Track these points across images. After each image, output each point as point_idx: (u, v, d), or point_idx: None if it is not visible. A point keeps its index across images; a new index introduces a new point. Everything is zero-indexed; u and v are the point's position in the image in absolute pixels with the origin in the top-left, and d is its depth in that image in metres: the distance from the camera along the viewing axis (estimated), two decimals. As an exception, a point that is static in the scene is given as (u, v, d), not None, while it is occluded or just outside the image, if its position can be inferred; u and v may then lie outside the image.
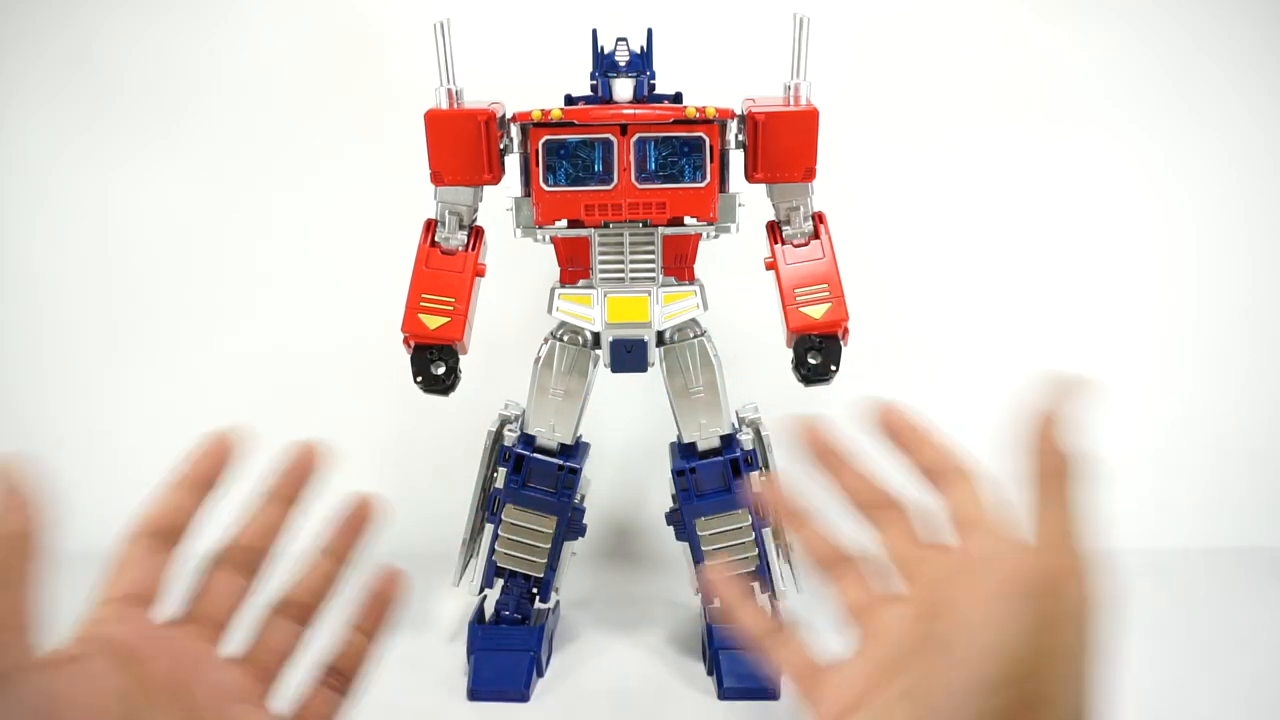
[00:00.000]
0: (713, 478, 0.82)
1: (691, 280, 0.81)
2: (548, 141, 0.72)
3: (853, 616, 0.46)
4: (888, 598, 0.45)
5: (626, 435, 1.10)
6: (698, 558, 0.84)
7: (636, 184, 0.73)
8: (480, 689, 0.82)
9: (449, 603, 0.98)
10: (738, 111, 0.75)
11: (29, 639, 0.34)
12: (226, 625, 0.44)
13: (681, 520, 0.84)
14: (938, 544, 0.45)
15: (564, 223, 0.76)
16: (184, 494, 0.47)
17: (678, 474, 0.83)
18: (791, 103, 0.75)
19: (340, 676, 0.46)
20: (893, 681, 0.40)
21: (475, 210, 0.79)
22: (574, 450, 0.84)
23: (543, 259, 0.82)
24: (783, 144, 0.75)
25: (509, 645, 0.84)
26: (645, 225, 0.76)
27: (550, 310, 0.79)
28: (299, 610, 0.47)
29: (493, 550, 0.84)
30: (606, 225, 0.75)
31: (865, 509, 0.48)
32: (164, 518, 0.46)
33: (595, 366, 0.81)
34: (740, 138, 0.76)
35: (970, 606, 0.38)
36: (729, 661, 0.83)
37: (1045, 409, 0.39)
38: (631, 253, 0.77)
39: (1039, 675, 0.35)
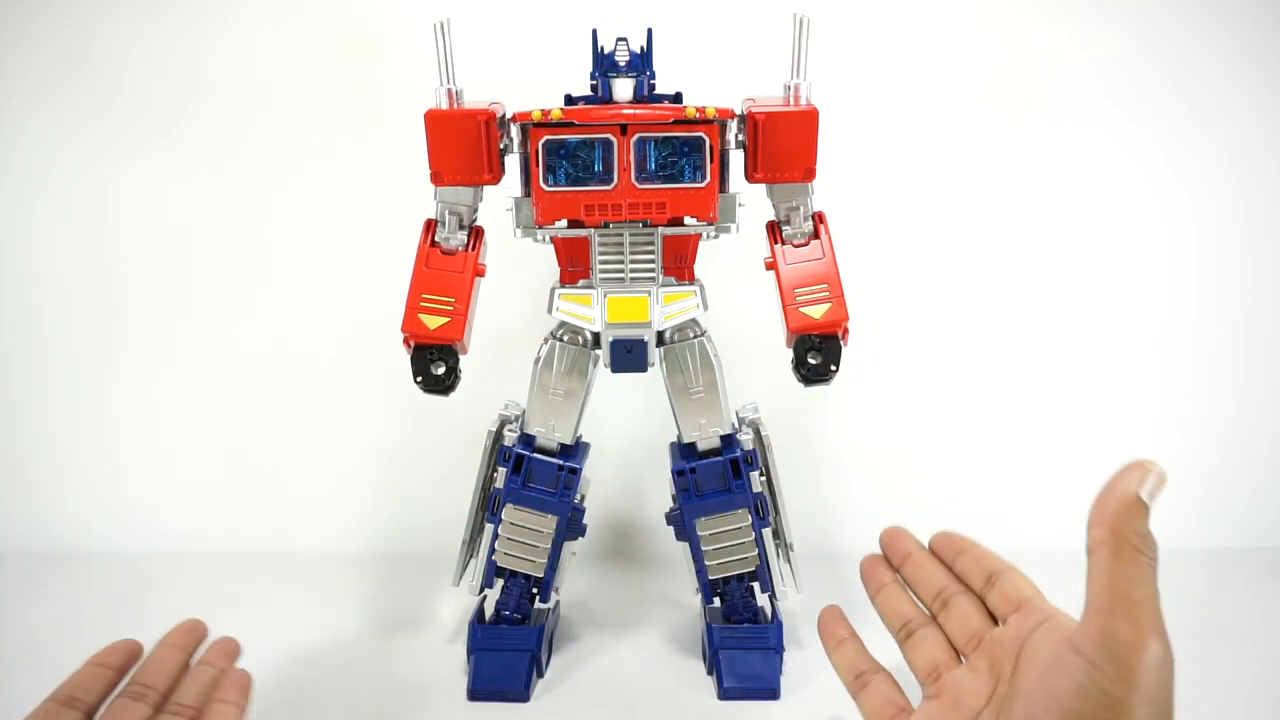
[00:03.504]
0: (713, 478, 0.82)
1: (691, 280, 0.81)
2: (548, 141, 0.72)
3: (923, 675, 0.54)
4: (955, 662, 0.52)
5: (626, 435, 1.10)
6: (698, 558, 0.84)
7: (636, 184, 0.73)
8: (480, 689, 0.82)
9: (449, 603, 0.98)
10: (738, 111, 0.75)
11: None
12: None
13: (681, 520, 0.84)
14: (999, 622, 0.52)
15: (564, 223, 0.76)
16: (105, 672, 0.55)
17: (678, 474, 0.83)
18: (791, 103, 0.75)
19: None
20: None
21: (475, 210, 0.79)
22: (574, 450, 0.84)
23: (543, 259, 0.82)
24: (783, 144, 0.75)
25: (509, 645, 0.84)
26: (645, 225, 0.76)
27: (550, 310, 0.79)
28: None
29: (493, 550, 0.84)
30: (606, 225, 0.75)
31: (931, 597, 0.57)
32: (75, 690, 0.53)
33: (595, 366, 0.81)
34: (740, 138, 0.76)
35: (1038, 663, 0.43)
36: (729, 661, 0.83)
37: (1132, 493, 0.41)
38: (631, 253, 0.77)
39: None
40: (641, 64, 0.75)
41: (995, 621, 0.52)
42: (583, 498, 0.87)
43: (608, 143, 0.72)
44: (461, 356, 0.79)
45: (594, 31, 0.75)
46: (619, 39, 0.74)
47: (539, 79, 0.80)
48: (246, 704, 0.57)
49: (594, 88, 0.76)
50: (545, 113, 0.71)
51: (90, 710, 0.53)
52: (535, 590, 0.86)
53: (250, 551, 1.09)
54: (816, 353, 0.78)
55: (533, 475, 0.83)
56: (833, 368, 0.78)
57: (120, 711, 0.53)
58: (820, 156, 0.76)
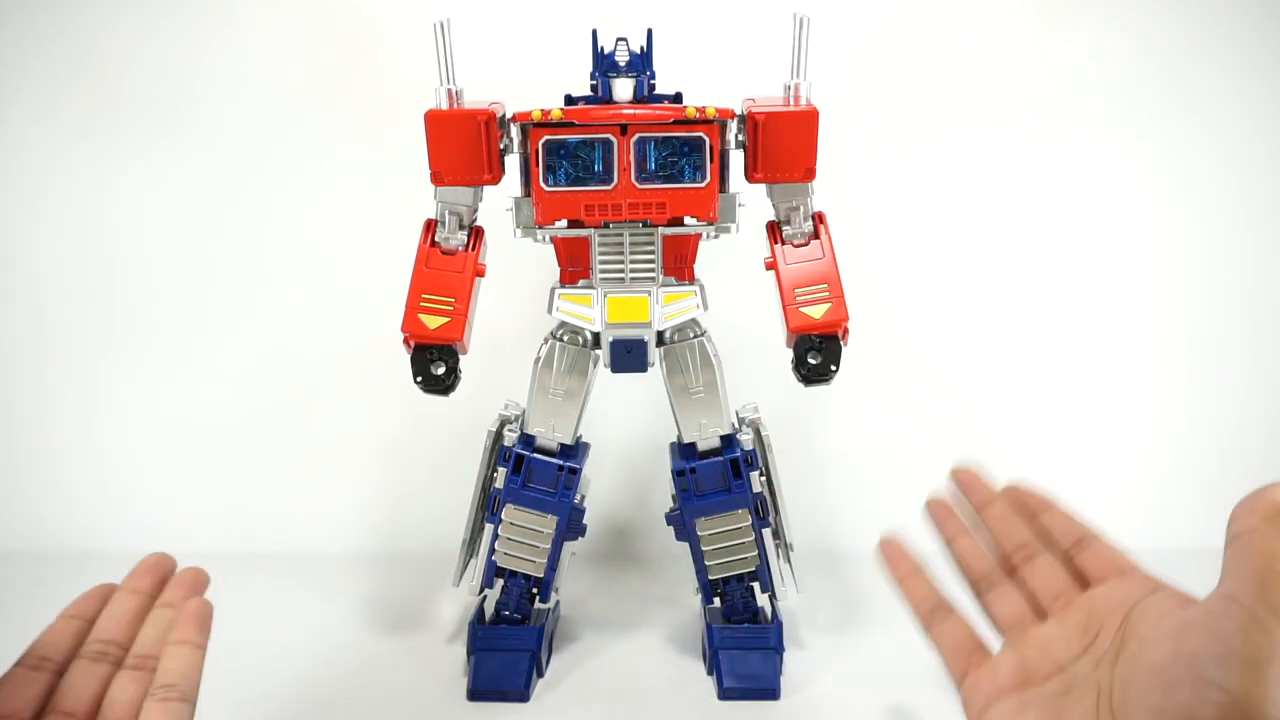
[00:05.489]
0: (713, 478, 0.82)
1: (691, 280, 0.81)
2: (548, 141, 0.72)
3: (1006, 625, 0.53)
4: (1038, 620, 0.52)
5: (626, 435, 1.10)
6: (698, 558, 0.84)
7: (636, 184, 0.73)
8: (480, 689, 0.82)
9: (449, 603, 0.98)
10: (738, 111, 0.75)
11: None
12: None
13: (681, 520, 0.84)
14: (1089, 583, 0.52)
15: (564, 223, 0.76)
16: (76, 624, 0.54)
17: (678, 474, 0.83)
18: (791, 103, 0.75)
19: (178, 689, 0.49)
20: (1051, 685, 0.47)
21: (475, 210, 0.79)
22: (574, 450, 0.84)
23: (543, 259, 0.82)
24: (783, 144, 0.75)
25: (509, 645, 0.84)
26: (645, 225, 0.76)
27: (550, 310, 0.79)
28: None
29: (493, 550, 0.84)
30: (606, 225, 0.75)
31: (1012, 550, 0.56)
32: (45, 649, 0.52)
33: (595, 366, 0.81)
34: (740, 138, 0.76)
35: (1163, 630, 0.43)
36: (729, 661, 0.83)
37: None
38: (631, 253, 0.77)
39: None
40: (641, 64, 0.75)
41: (1084, 587, 0.52)
42: (583, 498, 0.86)
43: (608, 143, 0.72)
44: (461, 356, 0.79)
45: (594, 31, 0.75)
46: (619, 39, 0.74)
47: (539, 79, 0.80)
48: (205, 639, 0.51)
49: (594, 88, 0.76)
50: (545, 113, 0.71)
51: (60, 669, 0.51)
52: (535, 590, 0.86)
53: (250, 551, 1.09)
54: (816, 353, 0.78)
55: (533, 475, 0.83)
56: (833, 368, 0.78)
57: (80, 677, 0.50)
58: (820, 156, 0.76)
